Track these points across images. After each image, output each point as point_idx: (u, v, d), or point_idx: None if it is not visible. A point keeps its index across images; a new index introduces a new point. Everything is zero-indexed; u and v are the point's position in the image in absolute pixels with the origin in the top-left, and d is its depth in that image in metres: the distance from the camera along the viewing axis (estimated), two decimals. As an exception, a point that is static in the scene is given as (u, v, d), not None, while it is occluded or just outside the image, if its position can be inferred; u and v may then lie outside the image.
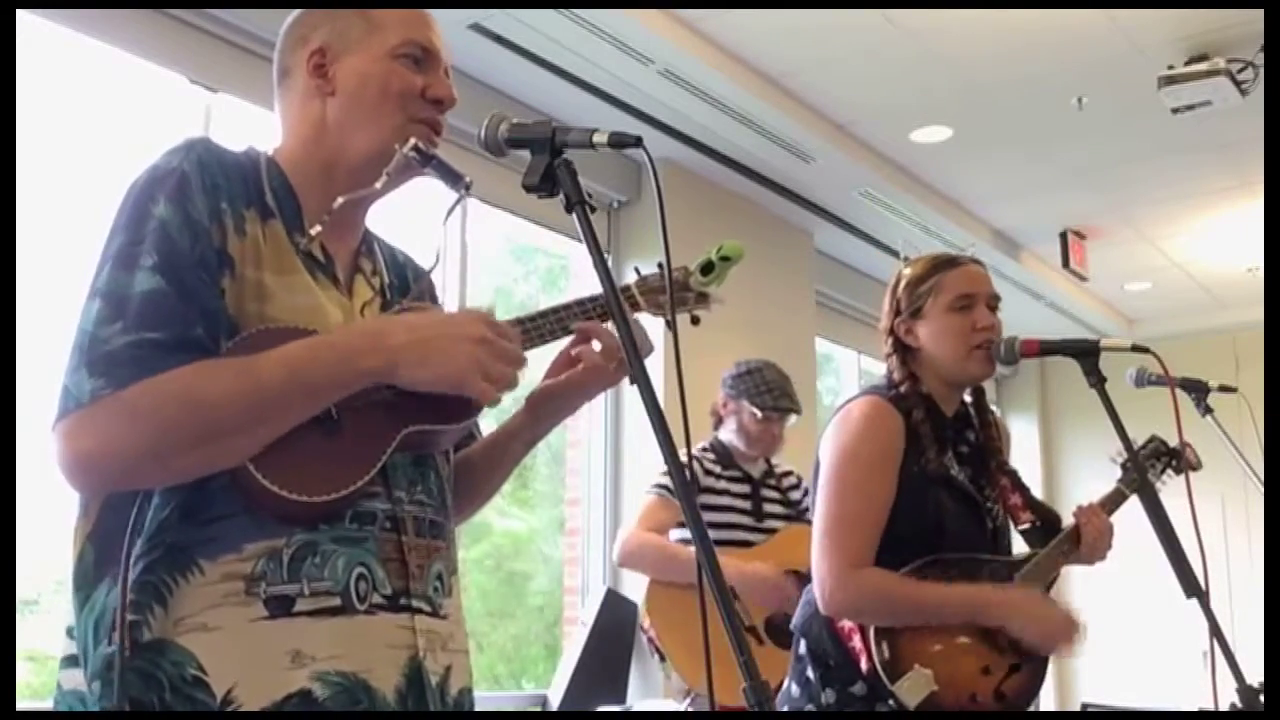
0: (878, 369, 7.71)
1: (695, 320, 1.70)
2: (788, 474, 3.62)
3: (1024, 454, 8.55)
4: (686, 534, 3.38)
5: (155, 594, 1.25)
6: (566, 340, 1.61)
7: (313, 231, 1.42)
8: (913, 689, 2.10)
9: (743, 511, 3.34)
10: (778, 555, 3.35)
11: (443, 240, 1.56)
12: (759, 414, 3.39)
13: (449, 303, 4.78)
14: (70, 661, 1.31)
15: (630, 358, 1.32)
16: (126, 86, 3.71)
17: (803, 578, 3.20)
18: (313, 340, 1.32)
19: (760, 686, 1.16)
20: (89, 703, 1.26)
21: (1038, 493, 8.59)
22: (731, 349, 4.56)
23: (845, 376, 7.15)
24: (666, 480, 3.39)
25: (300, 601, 1.28)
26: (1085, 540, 2.36)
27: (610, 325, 1.57)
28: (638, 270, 1.68)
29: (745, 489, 3.40)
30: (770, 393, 3.41)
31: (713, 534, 3.29)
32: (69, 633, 1.31)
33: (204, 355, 1.28)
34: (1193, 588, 2.07)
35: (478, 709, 2.01)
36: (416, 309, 1.46)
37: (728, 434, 3.47)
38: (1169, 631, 6.74)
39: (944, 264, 2.35)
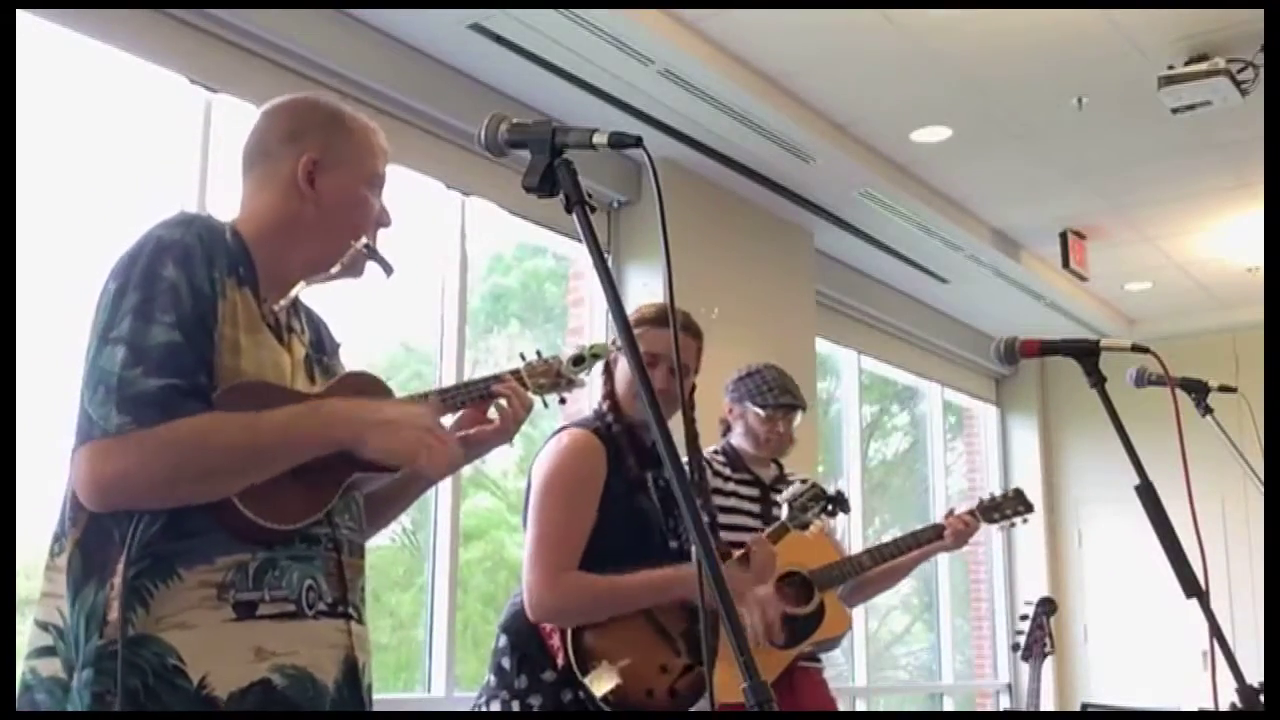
0: (878, 369, 7.74)
1: (562, 400, 2.12)
2: (803, 481, 3.60)
3: (1024, 454, 8.55)
4: None
5: (139, 597, 1.49)
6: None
7: (276, 307, 1.71)
8: (599, 681, 2.39)
9: (750, 514, 3.32)
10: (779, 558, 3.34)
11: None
12: (763, 413, 3.39)
13: (448, 306, 4.76)
14: (47, 651, 1.53)
15: (631, 361, 1.36)
16: (126, 86, 3.70)
17: (796, 578, 3.30)
18: (301, 409, 1.61)
19: (760, 686, 1.17)
20: (73, 689, 1.48)
21: (1038, 493, 8.60)
22: (732, 349, 4.56)
23: (845, 376, 7.14)
24: None
25: (262, 607, 1.55)
26: (753, 564, 2.78)
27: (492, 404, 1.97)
28: (523, 356, 2.07)
29: (754, 492, 3.39)
30: (772, 391, 3.42)
31: (721, 536, 3.29)
32: (44, 627, 1.55)
33: (208, 401, 1.55)
34: (1193, 588, 2.07)
35: (470, 709, 2.22)
36: (365, 380, 1.79)
37: (737, 439, 3.46)
38: (1169, 631, 6.74)
39: (655, 320, 2.66)
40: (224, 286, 1.62)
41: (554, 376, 2.08)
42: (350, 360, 1.88)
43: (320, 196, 1.75)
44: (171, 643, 1.48)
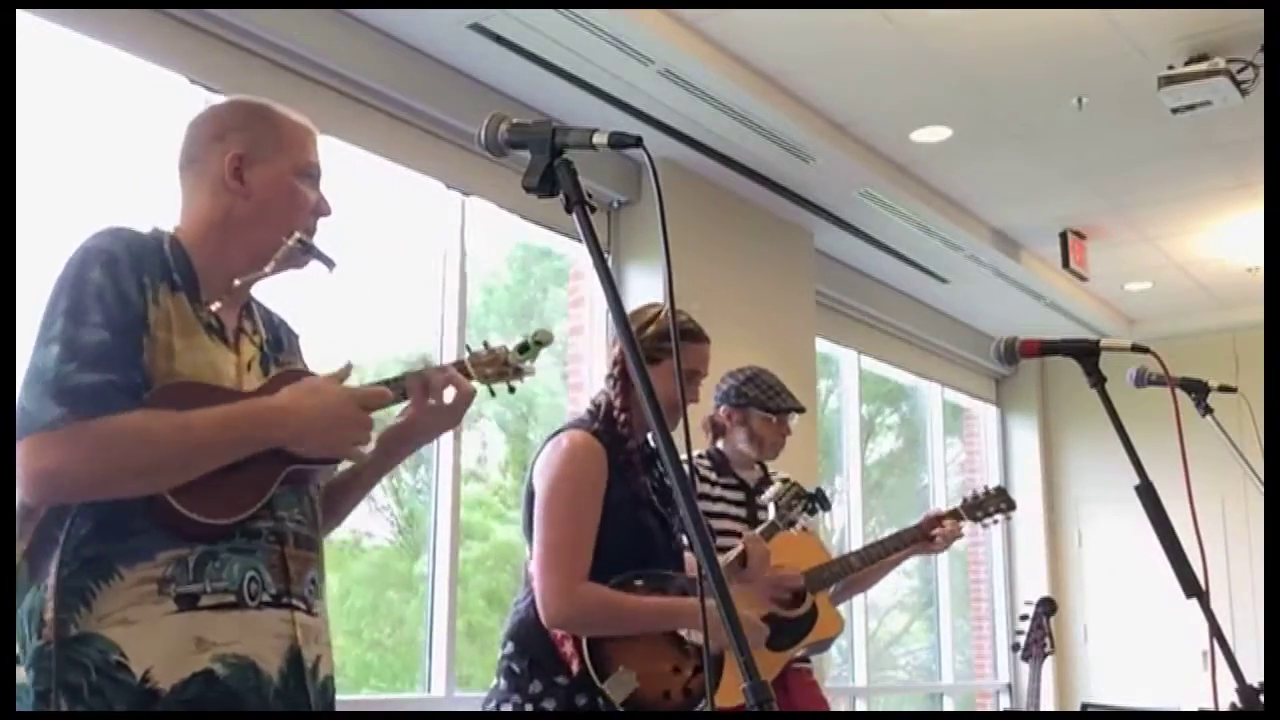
0: (878, 369, 7.72)
1: (511, 389, 2.14)
2: (784, 480, 3.62)
3: (1024, 454, 8.55)
4: None
5: (80, 597, 1.55)
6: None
7: (213, 307, 1.75)
8: (618, 686, 2.40)
9: (737, 518, 3.33)
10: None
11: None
12: (774, 418, 3.38)
13: (448, 304, 4.75)
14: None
15: (624, 341, 1.34)
16: (126, 86, 3.70)
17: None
18: (235, 409, 1.66)
19: (760, 686, 1.16)
20: (27, 688, 1.54)
21: (1038, 493, 8.60)
22: (732, 349, 4.57)
23: (845, 376, 7.14)
24: None
25: (204, 598, 1.60)
26: (750, 560, 2.87)
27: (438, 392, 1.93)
28: (469, 347, 2.09)
29: (740, 496, 3.40)
30: (780, 395, 3.42)
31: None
32: None
33: (141, 399, 1.59)
34: (1193, 588, 2.07)
35: (474, 709, 2.21)
36: (297, 379, 1.78)
37: (733, 443, 3.44)
38: (1169, 631, 6.74)
39: (688, 336, 2.70)
40: (155, 293, 1.67)
41: (500, 365, 2.07)
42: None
43: (250, 191, 1.78)
44: (114, 639, 1.53)
